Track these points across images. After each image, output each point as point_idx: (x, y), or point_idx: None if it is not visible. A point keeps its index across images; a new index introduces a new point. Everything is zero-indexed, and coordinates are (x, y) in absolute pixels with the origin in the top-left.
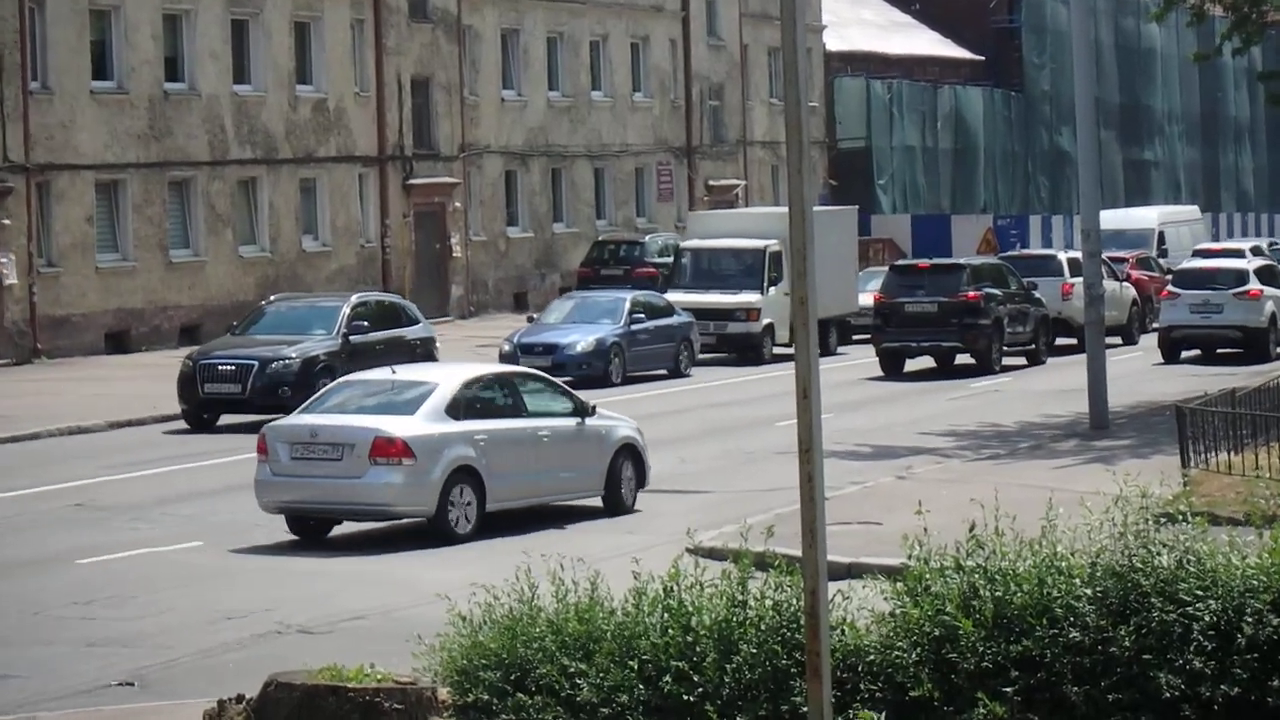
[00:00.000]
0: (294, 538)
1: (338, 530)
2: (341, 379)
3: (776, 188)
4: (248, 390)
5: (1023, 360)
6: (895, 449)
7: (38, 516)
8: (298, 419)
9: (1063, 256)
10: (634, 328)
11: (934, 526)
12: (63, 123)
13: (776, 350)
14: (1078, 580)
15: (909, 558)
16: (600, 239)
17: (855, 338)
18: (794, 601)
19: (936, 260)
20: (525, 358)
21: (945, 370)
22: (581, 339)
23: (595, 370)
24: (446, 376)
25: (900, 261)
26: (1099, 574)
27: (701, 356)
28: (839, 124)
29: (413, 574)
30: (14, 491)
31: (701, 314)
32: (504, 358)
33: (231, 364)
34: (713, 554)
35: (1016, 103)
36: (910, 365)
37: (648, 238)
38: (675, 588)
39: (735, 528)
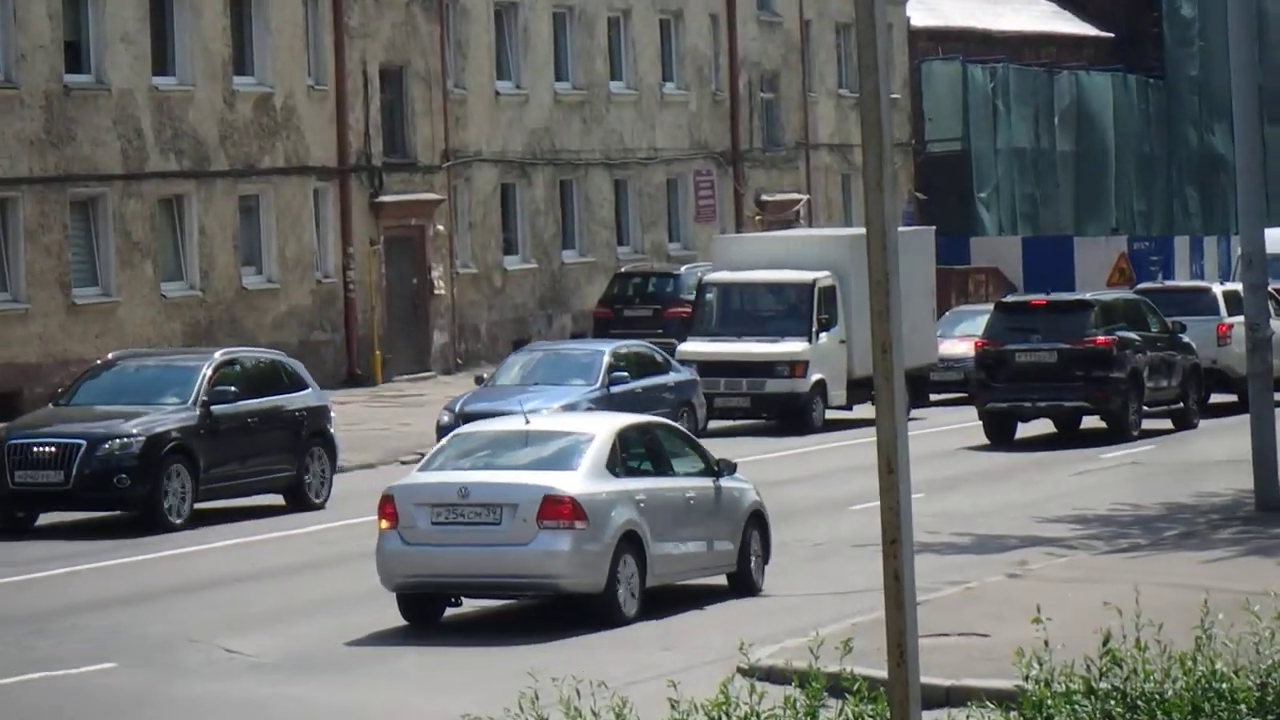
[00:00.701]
0: (229, 655)
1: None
2: (460, 430)
3: (848, 203)
4: (71, 479)
5: (1168, 423)
6: (1005, 539)
7: None
8: (438, 475)
9: (1218, 290)
10: (615, 390)
11: (1056, 639)
12: None
13: (830, 414)
14: (1243, 707)
15: (1025, 679)
16: (622, 270)
17: (936, 397)
18: None
19: (1055, 296)
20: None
21: (1068, 437)
22: (543, 406)
23: None
24: (597, 425)
25: (1009, 298)
26: (1270, 698)
27: (729, 424)
28: (928, 121)
29: (396, 700)
30: None
31: (731, 368)
32: (442, 431)
33: (51, 444)
34: (772, 675)
35: (1156, 92)
36: (1023, 430)
37: (684, 269)
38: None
39: (801, 641)
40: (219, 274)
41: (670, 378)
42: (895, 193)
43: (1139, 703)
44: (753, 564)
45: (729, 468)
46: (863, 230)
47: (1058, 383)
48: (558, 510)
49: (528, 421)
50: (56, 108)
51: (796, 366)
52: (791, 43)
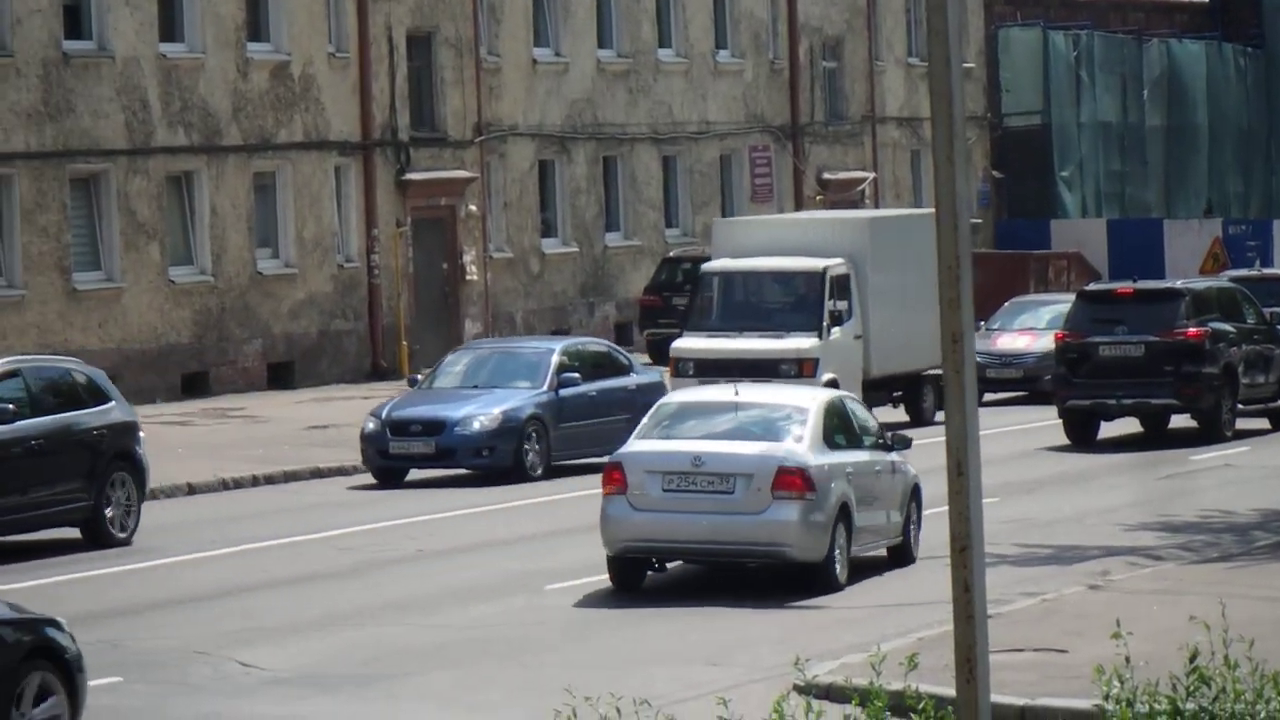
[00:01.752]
0: (244, 669)
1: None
2: (667, 400)
3: (918, 182)
4: None
5: (1264, 423)
6: (1085, 548)
7: None
8: (668, 444)
9: None
10: (564, 393)
11: (1139, 655)
12: None
13: None
14: None
15: (1105, 698)
16: (671, 255)
17: (991, 397)
18: None
19: (1143, 284)
20: (398, 440)
21: (1155, 437)
22: (480, 413)
23: (501, 458)
24: (808, 398)
25: (1092, 286)
26: None
27: None
28: (1005, 93)
29: (407, 713)
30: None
31: (731, 367)
32: (367, 439)
33: None
34: (831, 693)
35: (1255, 62)
36: (1106, 430)
37: None
38: None
39: (862, 657)
40: (231, 258)
41: (631, 380)
42: (968, 170)
43: None
44: (911, 536)
45: (902, 442)
46: (882, 212)
47: (1145, 378)
48: (790, 481)
49: (737, 393)
50: (55, 77)
51: (805, 365)
52: (856, 7)
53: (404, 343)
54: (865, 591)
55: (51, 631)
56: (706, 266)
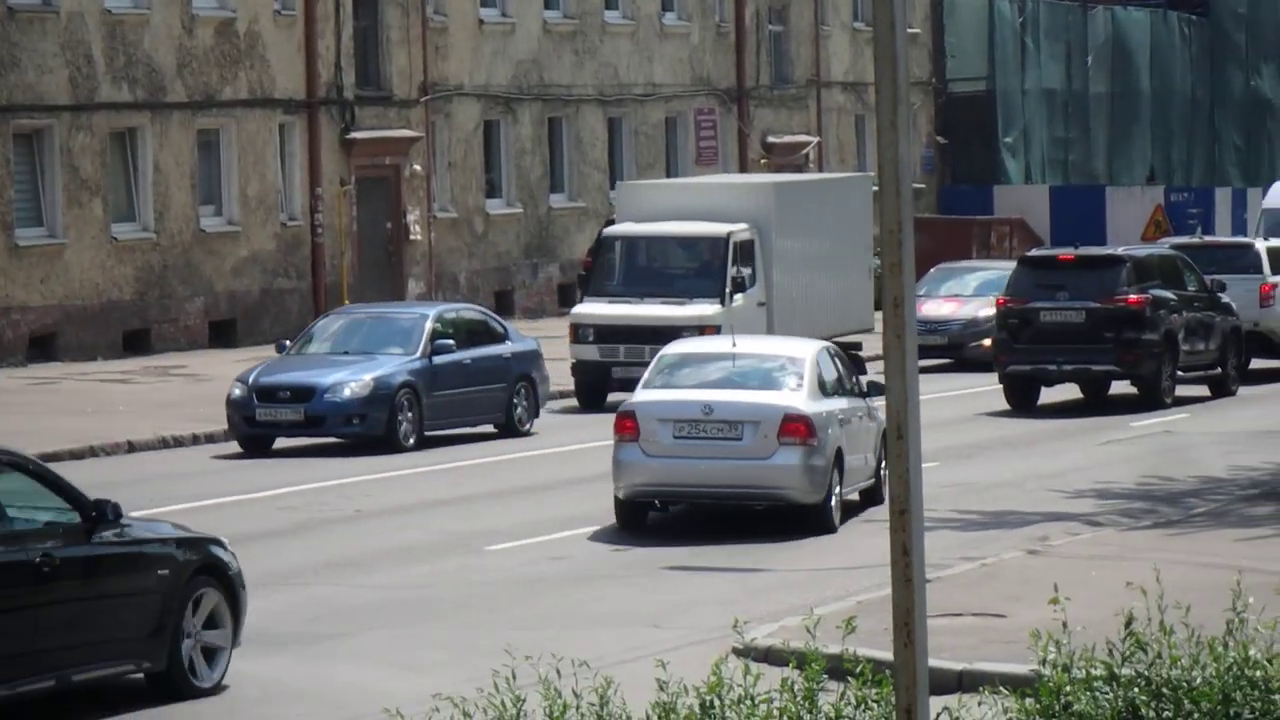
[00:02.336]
0: None
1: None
2: (668, 351)
3: (862, 146)
4: None
5: (1204, 390)
6: (1025, 514)
7: None
8: (678, 393)
9: (1261, 246)
10: (438, 360)
11: (1077, 620)
12: None
13: None
14: (1278, 697)
15: (1042, 663)
16: (615, 217)
17: (929, 363)
18: None
19: (1085, 250)
20: (265, 406)
21: (1096, 403)
22: (351, 379)
23: (373, 426)
24: (801, 348)
25: (1034, 251)
26: None
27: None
28: (950, 58)
29: (361, 679)
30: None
31: (631, 333)
32: (234, 406)
33: None
34: (770, 656)
35: (1199, 30)
36: (1046, 395)
37: None
38: (717, 703)
39: (799, 620)
40: (175, 215)
41: (506, 348)
42: (912, 135)
43: (1164, 690)
44: (882, 478)
45: (875, 389)
46: (789, 177)
47: (1085, 344)
48: (795, 428)
49: (734, 345)
50: None
51: (706, 331)
52: None
53: (346, 301)
54: (807, 555)
55: (216, 550)
56: (608, 230)
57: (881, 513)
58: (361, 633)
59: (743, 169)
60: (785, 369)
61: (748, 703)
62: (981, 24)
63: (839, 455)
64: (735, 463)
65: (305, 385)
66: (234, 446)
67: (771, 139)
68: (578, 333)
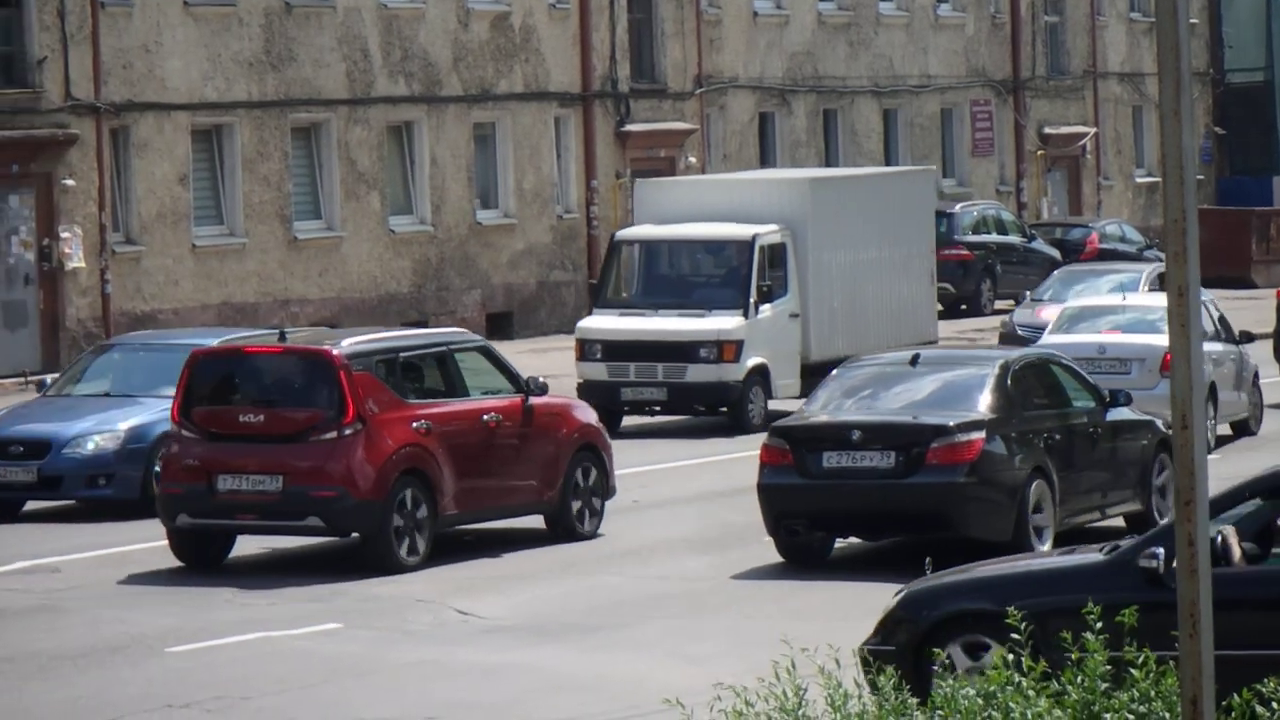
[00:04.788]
0: (462, 617)
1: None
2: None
3: (1139, 138)
4: None
5: None
6: None
7: (113, 588)
8: (1077, 337)
9: None
10: None
11: None
12: (145, 45)
13: (778, 404)
14: None
15: None
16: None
17: None
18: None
19: None
20: (3, 465)
21: None
22: (97, 430)
23: (124, 489)
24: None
25: None
26: None
27: (643, 422)
28: (1227, 48)
29: (640, 671)
30: (85, 553)
31: (643, 351)
32: None
33: None
34: None
35: None
36: None
37: (958, 207)
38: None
39: None
40: (451, 208)
41: None
42: (1192, 127)
43: None
44: (1252, 415)
45: (1248, 338)
46: (828, 171)
47: None
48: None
49: (1124, 299)
50: (277, 26)
51: (726, 348)
52: None
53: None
54: None
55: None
56: (621, 234)
57: (1252, 442)
58: (638, 624)
59: (1019, 161)
60: (1164, 319)
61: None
62: (1259, 14)
63: (1212, 389)
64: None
65: (40, 438)
66: None
67: (1048, 130)
68: (584, 349)
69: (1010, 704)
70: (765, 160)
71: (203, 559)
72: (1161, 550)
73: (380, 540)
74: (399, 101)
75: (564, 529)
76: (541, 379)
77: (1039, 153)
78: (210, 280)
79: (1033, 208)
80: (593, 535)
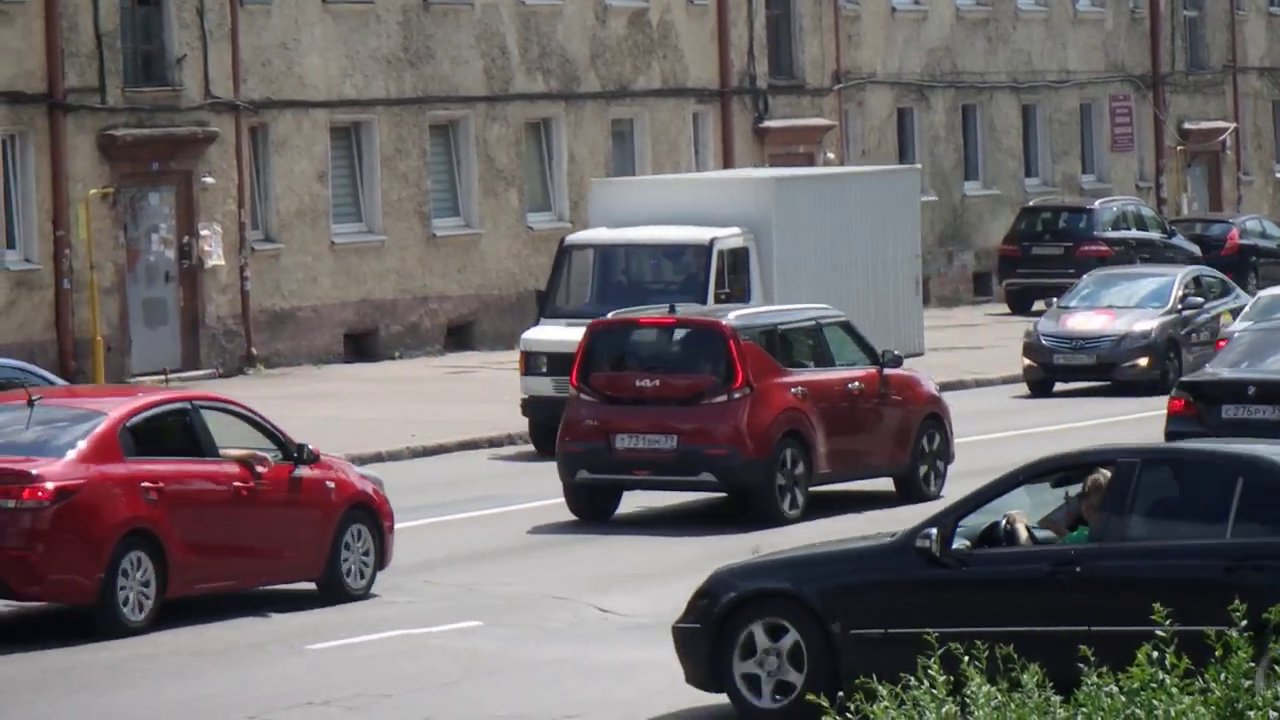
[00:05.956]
0: (601, 614)
1: None
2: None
3: None
4: None
5: None
6: None
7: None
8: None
9: None
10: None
11: None
12: (283, 43)
13: None
14: None
15: None
16: (1030, 204)
17: (1062, 387)
18: None
19: None
20: None
21: None
22: None
23: None
24: None
25: None
26: None
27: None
28: None
29: None
30: None
31: None
32: None
33: None
34: None
35: None
36: None
37: (1098, 203)
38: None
39: None
40: (589, 204)
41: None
42: None
43: None
44: None
45: None
46: (797, 171)
47: None
48: None
49: None
50: (415, 24)
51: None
52: None
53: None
54: None
55: None
56: (571, 238)
57: None
58: None
59: (1159, 156)
60: None
61: None
62: None
63: None
64: None
65: None
66: None
67: (1188, 126)
68: (529, 362)
69: (1154, 701)
70: (904, 157)
71: (595, 513)
72: (934, 531)
73: (766, 496)
74: (537, 98)
75: (914, 490)
76: (896, 351)
77: (1178, 148)
78: (349, 277)
79: (1172, 203)
80: (936, 497)
